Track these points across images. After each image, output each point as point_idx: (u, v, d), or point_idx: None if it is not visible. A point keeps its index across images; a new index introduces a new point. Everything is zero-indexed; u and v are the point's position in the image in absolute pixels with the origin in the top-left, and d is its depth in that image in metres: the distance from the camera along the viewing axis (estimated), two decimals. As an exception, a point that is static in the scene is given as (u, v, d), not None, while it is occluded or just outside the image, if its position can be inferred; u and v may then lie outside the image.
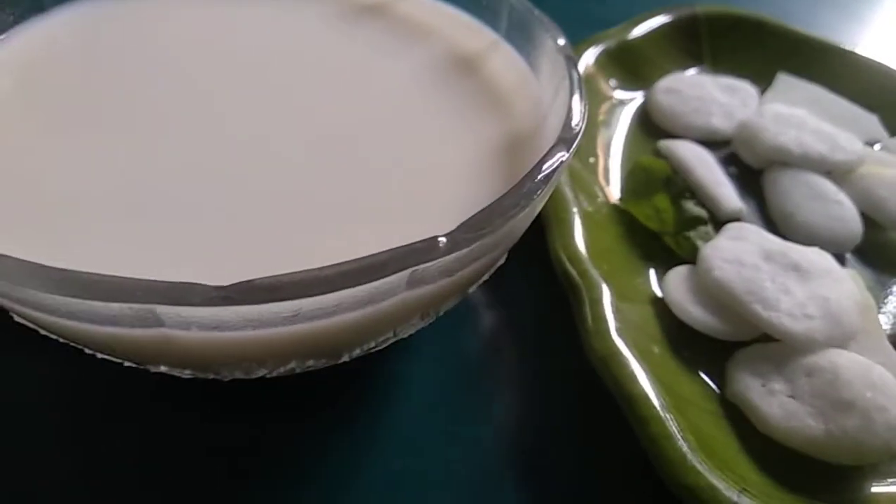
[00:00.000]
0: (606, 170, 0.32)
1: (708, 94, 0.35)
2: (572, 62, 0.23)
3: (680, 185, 0.29)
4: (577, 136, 0.20)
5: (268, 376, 0.19)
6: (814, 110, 0.35)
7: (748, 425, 0.23)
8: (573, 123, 0.21)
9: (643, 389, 0.22)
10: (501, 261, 0.21)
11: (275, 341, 0.17)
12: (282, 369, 0.19)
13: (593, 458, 0.23)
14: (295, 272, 0.15)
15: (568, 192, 0.28)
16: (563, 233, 0.27)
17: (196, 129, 0.22)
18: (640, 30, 0.38)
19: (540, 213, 0.27)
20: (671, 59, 0.38)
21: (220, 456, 0.22)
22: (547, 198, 0.19)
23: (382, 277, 0.15)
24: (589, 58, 0.35)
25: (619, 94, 0.36)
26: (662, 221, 0.29)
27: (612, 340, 0.23)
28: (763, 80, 0.38)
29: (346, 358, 0.20)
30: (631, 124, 0.35)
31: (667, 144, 0.33)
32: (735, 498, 0.19)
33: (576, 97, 0.22)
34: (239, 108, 0.23)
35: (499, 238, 0.18)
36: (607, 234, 0.28)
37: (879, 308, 0.28)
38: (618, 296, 0.25)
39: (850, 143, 0.32)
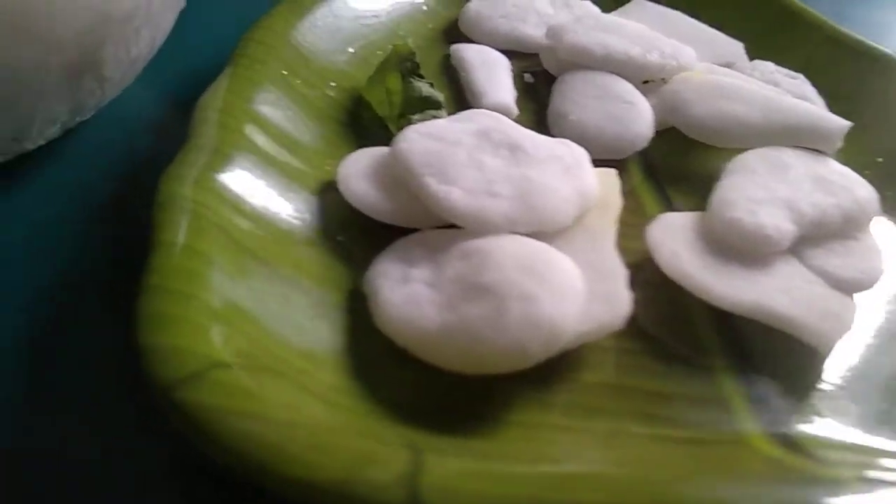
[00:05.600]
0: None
1: (529, 3, 0.29)
2: None
3: (414, 62, 0.23)
4: None
5: None
6: (664, 31, 0.29)
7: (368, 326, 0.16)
8: None
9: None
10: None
11: None
12: None
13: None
14: None
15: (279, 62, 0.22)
16: (234, 87, 0.20)
17: None
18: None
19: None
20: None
21: None
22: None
23: None
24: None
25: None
26: (391, 105, 0.23)
27: (211, 189, 0.17)
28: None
29: None
30: (440, 35, 0.29)
31: (456, 47, 0.27)
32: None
33: None
34: None
35: None
36: (319, 123, 0.22)
37: (649, 215, 0.21)
38: (283, 172, 0.19)
39: (675, 49, 0.25)
